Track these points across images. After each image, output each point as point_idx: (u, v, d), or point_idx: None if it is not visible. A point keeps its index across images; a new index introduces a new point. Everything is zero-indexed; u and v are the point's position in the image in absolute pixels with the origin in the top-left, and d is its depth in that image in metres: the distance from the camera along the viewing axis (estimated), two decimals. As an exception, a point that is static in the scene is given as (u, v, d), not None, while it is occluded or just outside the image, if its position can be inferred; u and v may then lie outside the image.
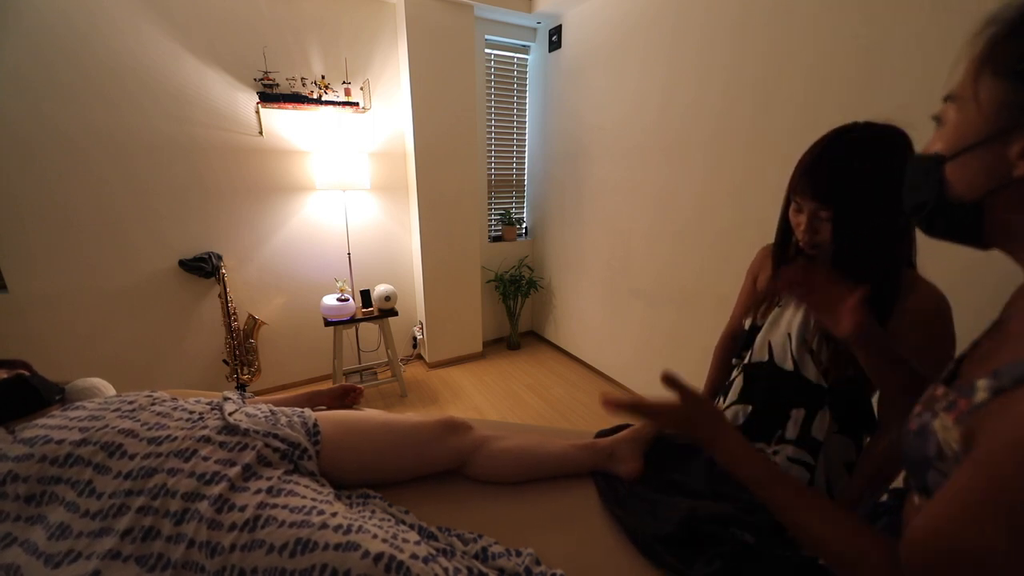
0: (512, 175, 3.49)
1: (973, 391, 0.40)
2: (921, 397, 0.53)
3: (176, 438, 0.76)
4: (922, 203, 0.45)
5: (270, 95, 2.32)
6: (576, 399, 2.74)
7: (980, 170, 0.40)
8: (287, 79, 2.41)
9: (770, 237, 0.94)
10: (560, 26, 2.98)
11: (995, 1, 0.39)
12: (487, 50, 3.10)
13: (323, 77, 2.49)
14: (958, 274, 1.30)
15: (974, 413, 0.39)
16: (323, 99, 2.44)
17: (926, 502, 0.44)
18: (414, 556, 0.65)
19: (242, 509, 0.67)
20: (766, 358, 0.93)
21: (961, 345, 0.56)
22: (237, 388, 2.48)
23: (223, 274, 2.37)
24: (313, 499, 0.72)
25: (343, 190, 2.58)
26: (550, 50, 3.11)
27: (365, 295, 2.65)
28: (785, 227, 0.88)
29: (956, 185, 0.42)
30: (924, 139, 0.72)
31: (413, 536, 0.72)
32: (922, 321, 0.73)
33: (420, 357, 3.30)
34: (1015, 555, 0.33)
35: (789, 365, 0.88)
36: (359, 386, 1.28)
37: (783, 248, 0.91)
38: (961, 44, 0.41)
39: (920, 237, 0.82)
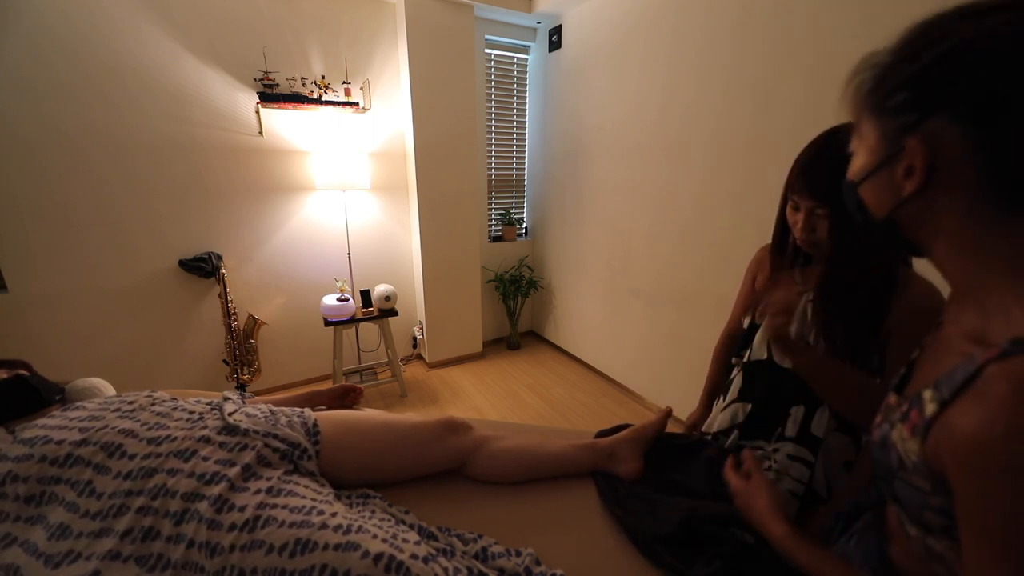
0: (512, 175, 3.49)
1: (922, 402, 0.43)
2: (880, 405, 0.55)
3: (176, 438, 0.76)
4: (856, 218, 0.52)
5: (270, 95, 2.32)
6: (576, 399, 2.74)
7: (882, 192, 0.46)
8: (287, 79, 2.41)
9: (770, 237, 0.95)
10: (560, 26, 2.98)
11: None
12: (487, 50, 3.10)
13: (323, 77, 2.49)
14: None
15: (929, 427, 0.41)
16: (323, 99, 2.44)
17: (908, 521, 0.48)
18: (414, 556, 0.65)
19: (242, 509, 0.67)
20: (765, 356, 0.93)
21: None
22: (237, 388, 2.48)
23: (223, 274, 2.37)
24: (313, 499, 0.72)
25: (343, 190, 2.58)
26: (550, 50, 3.11)
27: (365, 295, 2.65)
28: (783, 226, 0.89)
29: (870, 206, 0.48)
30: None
31: (413, 536, 0.72)
32: (919, 319, 0.74)
33: (420, 357, 3.30)
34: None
35: (788, 363, 0.88)
36: (359, 386, 1.28)
37: (781, 247, 0.92)
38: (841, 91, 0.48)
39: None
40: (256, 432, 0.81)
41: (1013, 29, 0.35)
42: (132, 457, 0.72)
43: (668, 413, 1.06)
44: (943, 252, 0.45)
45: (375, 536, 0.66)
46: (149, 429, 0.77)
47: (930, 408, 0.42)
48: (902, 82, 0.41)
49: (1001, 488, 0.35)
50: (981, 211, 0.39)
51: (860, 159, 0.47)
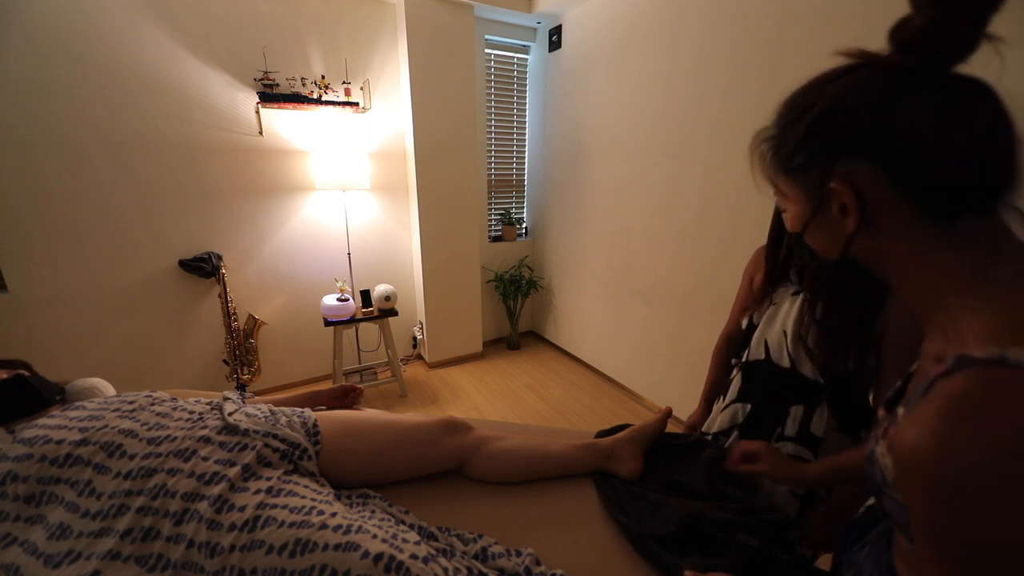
0: (512, 175, 3.49)
1: (898, 419, 0.45)
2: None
3: (176, 438, 0.76)
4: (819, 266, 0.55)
5: (270, 95, 2.32)
6: (576, 399, 2.74)
7: (828, 235, 0.49)
8: (287, 79, 2.41)
9: (769, 237, 0.95)
10: (560, 26, 2.98)
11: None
12: (487, 50, 3.10)
13: (323, 77, 2.49)
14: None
15: (895, 448, 0.43)
16: (323, 99, 2.44)
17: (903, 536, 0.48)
18: (414, 556, 0.65)
19: (242, 509, 0.67)
20: (763, 356, 0.93)
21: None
22: (237, 388, 2.48)
23: (223, 274, 2.37)
24: (313, 499, 0.72)
25: (343, 190, 2.58)
26: (550, 50, 3.11)
27: (365, 295, 2.65)
28: (778, 226, 0.89)
29: (819, 250, 0.52)
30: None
31: (413, 536, 0.72)
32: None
33: (420, 357, 3.30)
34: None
35: (786, 362, 0.88)
36: (359, 386, 1.28)
37: (776, 247, 0.92)
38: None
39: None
40: (256, 432, 0.81)
41: (864, 82, 0.42)
42: (132, 457, 0.72)
43: (668, 413, 1.06)
44: (898, 280, 0.48)
45: (375, 536, 0.66)
46: (149, 429, 0.77)
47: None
48: (798, 143, 0.46)
49: (935, 501, 0.36)
50: (918, 228, 0.43)
51: (792, 213, 0.52)
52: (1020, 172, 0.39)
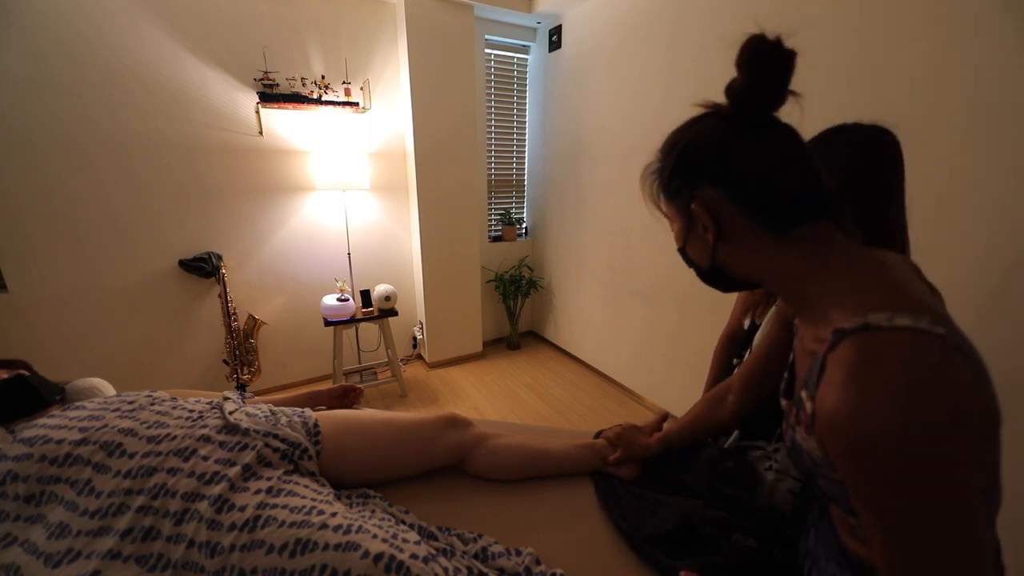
0: (512, 175, 3.49)
1: (802, 403, 0.51)
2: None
3: (176, 437, 0.76)
4: (698, 275, 0.64)
5: (270, 95, 2.32)
6: (576, 399, 2.74)
7: (698, 247, 0.58)
8: (287, 79, 2.41)
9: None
10: (560, 26, 2.98)
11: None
12: (487, 50, 3.10)
13: (323, 77, 2.49)
14: (959, 268, 1.30)
15: (814, 423, 0.48)
16: (323, 99, 2.44)
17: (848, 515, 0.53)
18: (414, 556, 0.65)
19: (242, 509, 0.67)
20: (766, 357, 0.92)
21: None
22: (237, 388, 2.48)
23: (223, 274, 2.37)
24: (313, 499, 0.72)
25: (343, 190, 2.58)
26: (550, 50, 3.11)
27: (365, 295, 2.65)
28: None
29: (696, 260, 0.60)
30: (914, 136, 0.80)
31: (413, 536, 0.72)
32: None
33: (420, 357, 3.30)
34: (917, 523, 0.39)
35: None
36: (359, 386, 1.28)
37: None
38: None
39: (919, 235, 0.82)
40: (256, 432, 0.81)
41: (711, 128, 0.54)
42: (132, 456, 0.72)
43: (664, 417, 1.06)
44: (766, 280, 0.56)
45: (375, 536, 0.66)
46: (149, 428, 0.77)
47: (809, 406, 0.49)
48: (669, 173, 0.57)
49: (859, 461, 0.40)
50: (764, 238, 0.52)
51: (675, 231, 0.61)
52: (826, 191, 0.51)
